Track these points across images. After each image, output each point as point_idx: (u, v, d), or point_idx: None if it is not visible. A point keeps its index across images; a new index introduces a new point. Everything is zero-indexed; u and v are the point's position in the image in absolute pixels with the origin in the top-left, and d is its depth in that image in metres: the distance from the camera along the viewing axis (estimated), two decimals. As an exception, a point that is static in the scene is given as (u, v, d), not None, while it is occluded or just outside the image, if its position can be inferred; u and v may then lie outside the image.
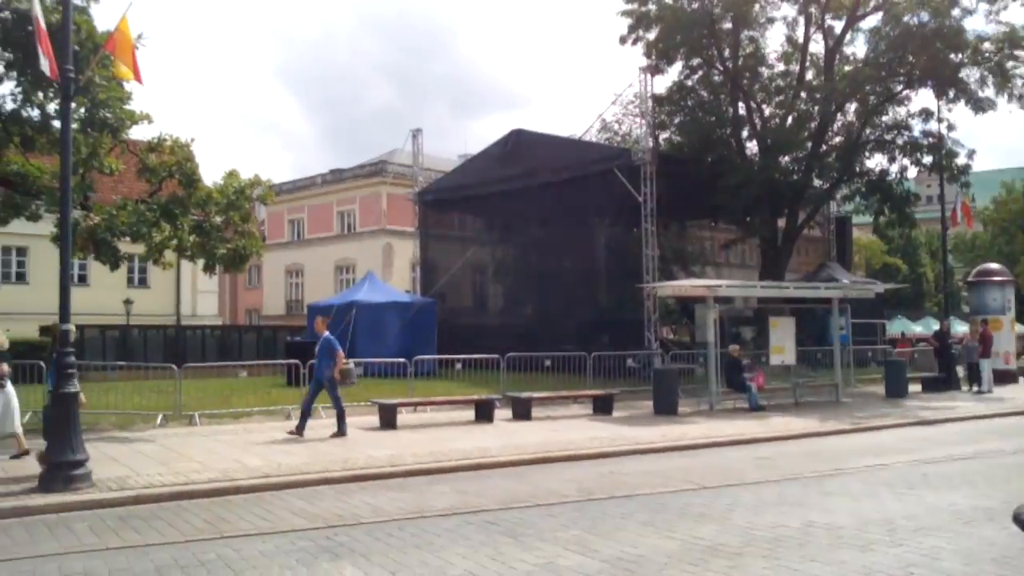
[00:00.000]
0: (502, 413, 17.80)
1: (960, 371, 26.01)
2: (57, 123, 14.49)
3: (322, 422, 15.81)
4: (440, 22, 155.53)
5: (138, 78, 12.66)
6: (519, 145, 30.92)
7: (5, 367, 12.17)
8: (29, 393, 16.58)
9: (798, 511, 9.11)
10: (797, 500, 9.78)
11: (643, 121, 27.96)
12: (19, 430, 12.28)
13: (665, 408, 18.54)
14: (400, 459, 12.31)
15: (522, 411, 17.67)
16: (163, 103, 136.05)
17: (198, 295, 44.05)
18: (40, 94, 15.23)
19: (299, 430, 14.48)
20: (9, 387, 12.21)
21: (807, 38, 30.11)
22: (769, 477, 11.46)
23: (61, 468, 10.02)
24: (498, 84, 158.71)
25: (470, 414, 17.71)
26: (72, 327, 11.05)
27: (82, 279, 36.32)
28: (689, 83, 30.72)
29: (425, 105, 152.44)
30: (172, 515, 9.13)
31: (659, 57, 29.39)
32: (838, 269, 33.30)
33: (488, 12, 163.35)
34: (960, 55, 26.36)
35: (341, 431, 14.70)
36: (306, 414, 14.73)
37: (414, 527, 8.49)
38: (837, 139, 29.71)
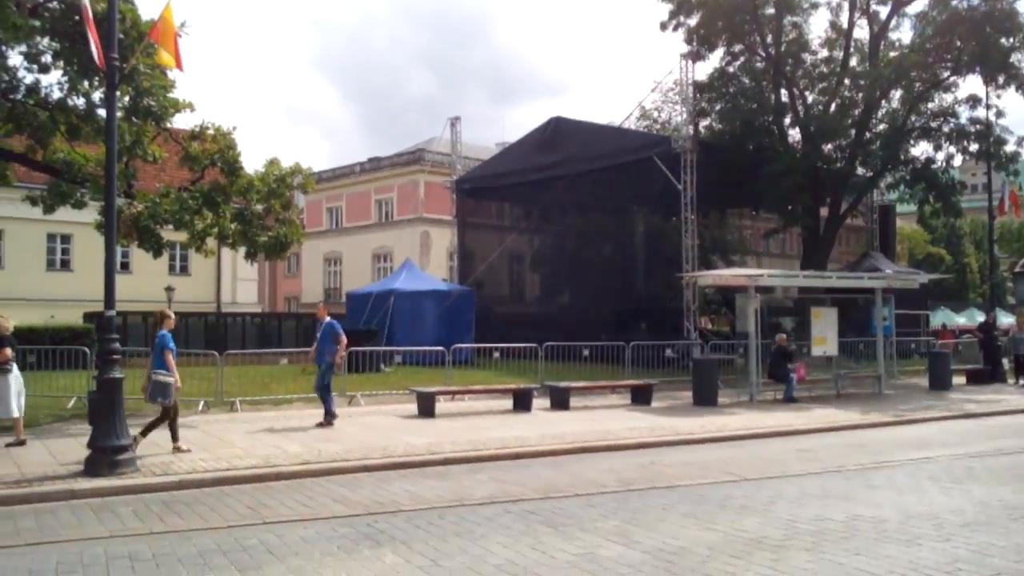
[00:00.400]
0: (540, 402, 17.78)
1: (1006, 363, 25.53)
2: (102, 111, 14.65)
3: (349, 410, 15.87)
4: (478, 9, 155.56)
5: (180, 66, 12.78)
6: (558, 133, 30.81)
7: (9, 351, 12.30)
8: (74, 379, 16.94)
9: (842, 504, 8.99)
10: (841, 493, 9.64)
11: (683, 108, 27.72)
12: (17, 414, 12.40)
13: (705, 399, 18.40)
14: (439, 447, 12.33)
15: (560, 400, 17.63)
16: (204, 92, 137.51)
17: (238, 283, 44.51)
18: (86, 83, 15.39)
19: (328, 420, 14.53)
20: (15, 371, 12.38)
21: (851, 24, 29.66)
22: (811, 469, 11.31)
23: (106, 453, 10.15)
24: (537, 72, 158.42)
25: (508, 403, 17.71)
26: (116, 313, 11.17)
27: (125, 266, 36.86)
28: (731, 70, 30.38)
29: (463, 93, 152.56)
30: (214, 500, 9.22)
31: (700, 43, 29.08)
32: (881, 259, 32.81)
33: None
34: (1012, 39, 25.78)
35: (329, 420, 14.49)
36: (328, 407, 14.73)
37: (454, 515, 8.49)
38: (881, 126, 29.22)
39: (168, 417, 11.82)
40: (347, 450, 11.98)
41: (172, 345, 11.97)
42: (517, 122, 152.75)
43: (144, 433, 11.56)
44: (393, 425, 14.90)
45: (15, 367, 12.42)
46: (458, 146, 35.36)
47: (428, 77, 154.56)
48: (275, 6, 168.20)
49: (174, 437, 11.78)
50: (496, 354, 22.60)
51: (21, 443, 12.10)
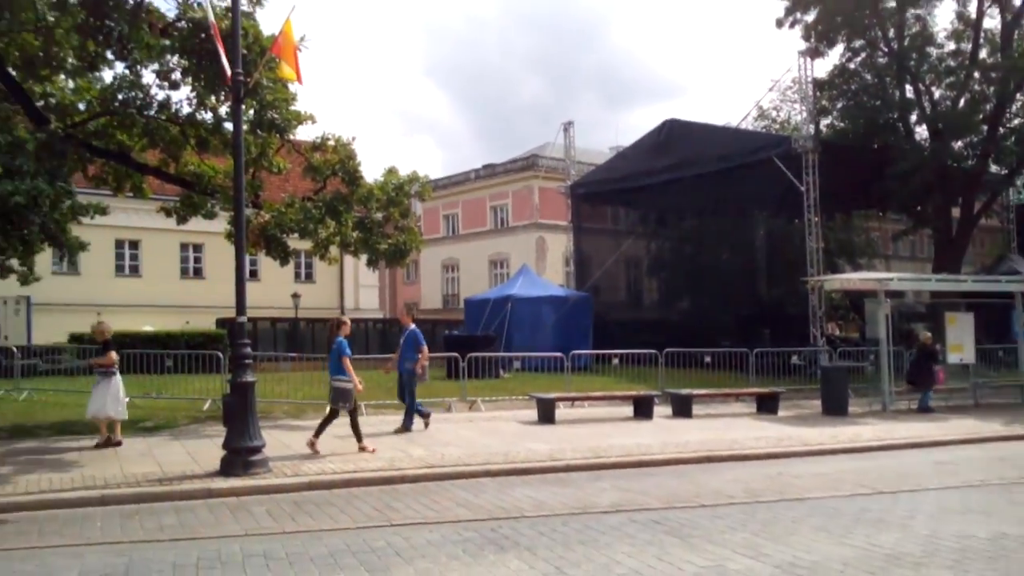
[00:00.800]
0: (661, 410, 17.55)
1: None
2: (229, 125, 15.18)
3: (470, 415, 15.90)
4: (591, 12, 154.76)
5: (299, 79, 13.13)
6: (672, 135, 30.35)
7: (114, 355, 12.83)
8: (208, 382, 17.64)
9: (985, 520, 8.52)
10: (984, 508, 9.15)
11: (803, 107, 26.95)
12: (119, 416, 12.86)
13: (834, 408, 17.80)
14: (560, 454, 12.30)
15: (682, 408, 17.36)
16: (324, 103, 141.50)
17: (360, 289, 45.49)
18: (212, 98, 15.97)
19: (425, 423, 14.73)
20: (117, 375, 12.87)
21: (980, 14, 28.38)
22: (950, 483, 10.79)
23: (240, 454, 10.51)
24: (650, 74, 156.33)
25: (628, 410, 17.53)
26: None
27: (253, 274, 38.10)
28: (851, 66, 29.51)
29: (575, 97, 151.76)
30: (343, 502, 9.43)
31: (819, 40, 28.36)
32: (1020, 261, 31.22)
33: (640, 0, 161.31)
34: None
35: (407, 426, 14.46)
36: (419, 410, 14.83)
37: (577, 523, 8.43)
38: (1016, 121, 27.90)
39: (335, 418, 12.49)
40: (469, 455, 12.07)
41: (348, 351, 12.39)
42: (632, 125, 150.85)
43: (317, 434, 12.31)
44: (514, 431, 14.95)
45: (117, 372, 12.94)
46: (572, 151, 35.29)
47: (540, 82, 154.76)
48: (387, 17, 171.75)
49: (358, 438, 12.36)
50: (615, 360, 22.36)
51: (108, 442, 12.56)
